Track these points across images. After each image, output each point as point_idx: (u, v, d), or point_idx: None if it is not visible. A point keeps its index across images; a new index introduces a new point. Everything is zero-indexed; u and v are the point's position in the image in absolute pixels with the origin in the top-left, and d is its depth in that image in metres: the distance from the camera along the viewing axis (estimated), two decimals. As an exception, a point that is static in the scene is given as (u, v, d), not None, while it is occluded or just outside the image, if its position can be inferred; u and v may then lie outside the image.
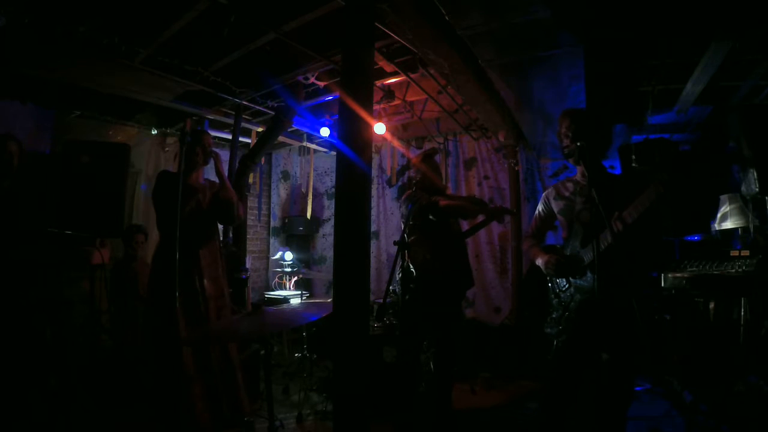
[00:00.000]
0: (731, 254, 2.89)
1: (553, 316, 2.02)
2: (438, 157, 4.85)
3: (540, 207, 2.19)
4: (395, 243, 2.29)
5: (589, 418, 1.96)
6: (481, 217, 2.64)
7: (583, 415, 2.06)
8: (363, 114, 1.47)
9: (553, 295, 2.06)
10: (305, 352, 3.60)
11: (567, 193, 2.04)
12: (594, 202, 1.63)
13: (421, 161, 2.69)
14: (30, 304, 2.46)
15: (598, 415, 1.87)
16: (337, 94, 3.49)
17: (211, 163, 2.58)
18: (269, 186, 6.19)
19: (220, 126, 4.61)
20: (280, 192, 6.20)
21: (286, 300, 4.67)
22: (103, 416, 2.71)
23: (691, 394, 2.77)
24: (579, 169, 2.02)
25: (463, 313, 2.75)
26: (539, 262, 2.06)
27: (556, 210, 2.08)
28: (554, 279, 2.06)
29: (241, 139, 4.38)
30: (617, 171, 4.02)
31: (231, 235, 4.13)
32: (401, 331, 2.59)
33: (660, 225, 1.82)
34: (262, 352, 2.90)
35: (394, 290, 2.63)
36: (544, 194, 2.19)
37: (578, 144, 1.81)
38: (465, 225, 2.82)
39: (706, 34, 2.52)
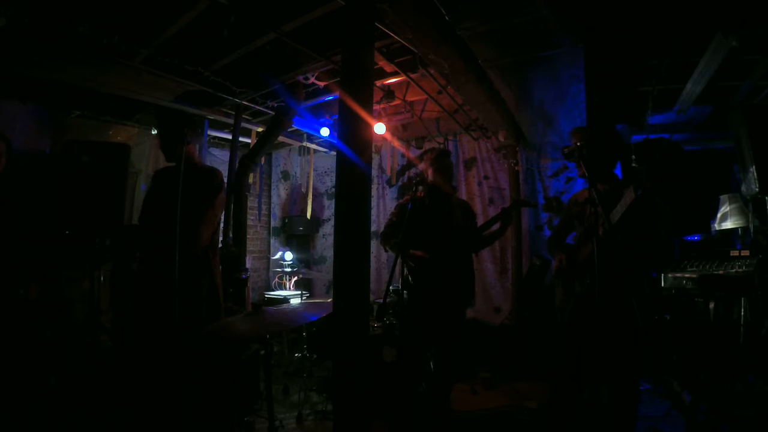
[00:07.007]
0: (731, 254, 2.90)
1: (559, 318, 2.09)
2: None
3: (563, 213, 2.37)
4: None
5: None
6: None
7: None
8: (363, 114, 1.47)
9: (560, 296, 2.16)
10: (305, 352, 3.60)
11: (581, 200, 2.17)
12: (594, 202, 1.63)
13: (434, 159, 2.59)
14: (29, 304, 2.46)
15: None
16: (337, 94, 3.49)
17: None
18: (269, 186, 6.19)
19: (220, 126, 4.61)
20: (280, 192, 6.20)
21: (286, 300, 4.67)
22: (102, 417, 2.71)
23: (691, 394, 2.77)
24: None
25: (464, 316, 2.71)
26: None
27: (574, 215, 2.22)
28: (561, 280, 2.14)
29: (241, 139, 4.38)
30: (617, 171, 4.03)
31: (231, 235, 4.12)
32: (401, 331, 2.59)
33: (655, 227, 1.87)
34: (262, 352, 2.91)
35: (394, 290, 2.61)
36: (568, 200, 2.37)
37: (578, 144, 1.83)
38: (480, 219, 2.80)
39: (707, 32, 2.52)
